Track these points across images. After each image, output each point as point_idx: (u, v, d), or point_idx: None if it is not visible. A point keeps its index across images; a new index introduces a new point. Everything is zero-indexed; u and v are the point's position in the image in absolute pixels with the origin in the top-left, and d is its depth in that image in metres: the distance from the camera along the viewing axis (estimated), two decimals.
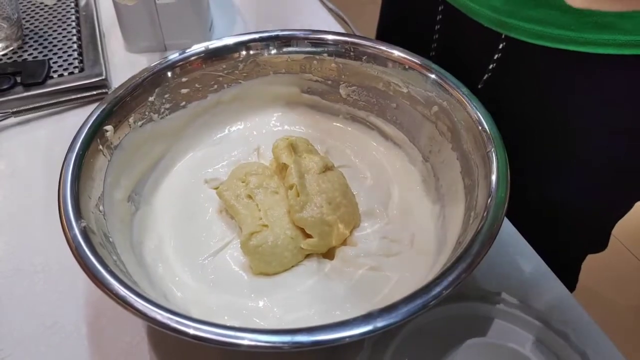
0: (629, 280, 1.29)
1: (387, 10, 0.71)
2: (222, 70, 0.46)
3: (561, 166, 0.55)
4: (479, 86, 0.54)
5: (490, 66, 0.52)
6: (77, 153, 0.37)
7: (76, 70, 0.60)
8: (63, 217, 0.33)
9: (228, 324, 0.28)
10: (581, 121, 0.50)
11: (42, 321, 0.40)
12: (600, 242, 0.66)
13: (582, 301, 0.41)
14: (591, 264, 0.70)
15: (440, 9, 0.56)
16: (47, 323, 0.40)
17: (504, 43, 0.49)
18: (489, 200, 0.33)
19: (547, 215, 0.58)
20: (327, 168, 0.42)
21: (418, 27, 0.61)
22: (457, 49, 0.56)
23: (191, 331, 0.27)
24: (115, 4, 0.60)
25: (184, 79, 0.45)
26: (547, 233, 0.51)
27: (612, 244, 0.66)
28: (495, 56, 0.51)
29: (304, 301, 0.37)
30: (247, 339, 0.27)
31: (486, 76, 0.53)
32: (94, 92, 0.58)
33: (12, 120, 0.56)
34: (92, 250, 0.31)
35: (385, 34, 0.72)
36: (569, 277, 0.68)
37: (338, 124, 0.50)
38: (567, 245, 0.63)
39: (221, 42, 0.46)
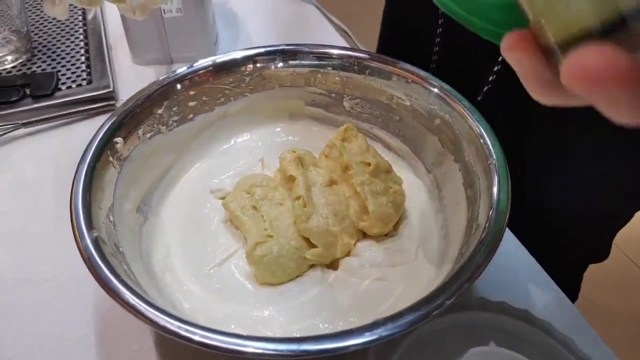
0: (631, 289, 1.29)
1: (388, 22, 0.72)
2: (229, 83, 0.47)
3: (561, 176, 0.55)
4: (479, 97, 0.55)
5: (490, 78, 0.53)
6: (88, 164, 0.38)
7: (84, 82, 0.61)
8: (75, 227, 0.34)
9: (236, 332, 0.29)
10: (580, 132, 0.51)
11: (50, 329, 0.41)
12: (601, 252, 0.66)
13: (584, 310, 0.42)
14: (593, 273, 0.71)
15: (440, 21, 0.58)
16: (56, 331, 0.41)
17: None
18: (490, 212, 0.34)
19: (548, 225, 0.58)
20: (333, 182, 0.43)
21: (419, 39, 0.62)
22: (458, 61, 0.57)
23: (202, 339, 0.28)
24: (123, 17, 0.61)
25: (191, 92, 0.46)
26: (548, 243, 0.52)
27: (613, 254, 0.66)
28: (495, 68, 0.52)
29: (309, 311, 0.38)
30: (254, 347, 0.28)
31: (486, 88, 0.54)
32: (102, 104, 0.59)
33: (22, 131, 0.57)
34: (104, 260, 0.32)
35: (386, 46, 0.73)
36: (571, 286, 0.68)
37: None
38: (569, 255, 0.63)
39: (228, 56, 0.47)
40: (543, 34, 0.19)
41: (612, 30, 0.16)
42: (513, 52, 0.21)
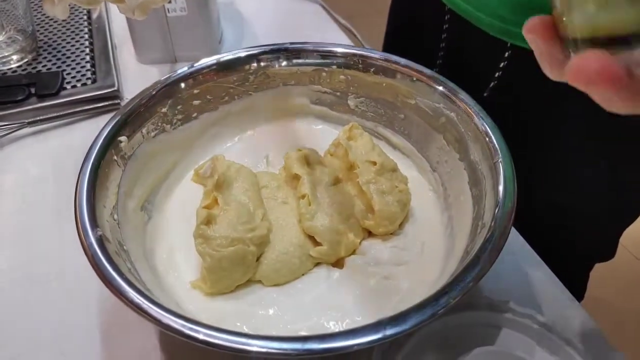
0: (638, 288, 1.28)
1: (394, 19, 0.72)
2: (233, 82, 0.47)
3: (567, 174, 0.55)
4: (485, 94, 0.55)
5: (497, 74, 0.53)
6: (92, 163, 0.38)
7: (89, 82, 0.61)
8: (79, 225, 0.34)
9: (240, 331, 0.29)
10: (587, 129, 0.51)
11: (55, 328, 0.41)
12: (607, 251, 0.66)
13: (591, 310, 0.42)
14: (599, 272, 0.70)
15: (447, 17, 0.57)
16: (61, 330, 0.41)
17: (510, 51, 0.50)
18: (496, 211, 0.34)
19: (554, 224, 0.58)
20: (338, 180, 0.43)
21: (425, 36, 0.62)
22: (464, 58, 0.57)
23: (206, 338, 0.28)
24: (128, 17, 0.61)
25: (195, 91, 0.46)
26: (554, 241, 0.52)
27: (620, 253, 0.66)
28: (501, 64, 0.52)
29: (314, 309, 0.37)
30: (258, 346, 0.28)
31: (492, 84, 0.54)
32: (107, 103, 0.59)
33: (27, 130, 0.57)
34: (108, 258, 0.32)
35: (392, 43, 0.73)
36: (577, 286, 0.68)
37: None
38: (575, 254, 0.63)
39: (232, 55, 0.47)
40: (564, 27, 0.22)
41: (621, 42, 0.19)
42: (532, 35, 0.24)
